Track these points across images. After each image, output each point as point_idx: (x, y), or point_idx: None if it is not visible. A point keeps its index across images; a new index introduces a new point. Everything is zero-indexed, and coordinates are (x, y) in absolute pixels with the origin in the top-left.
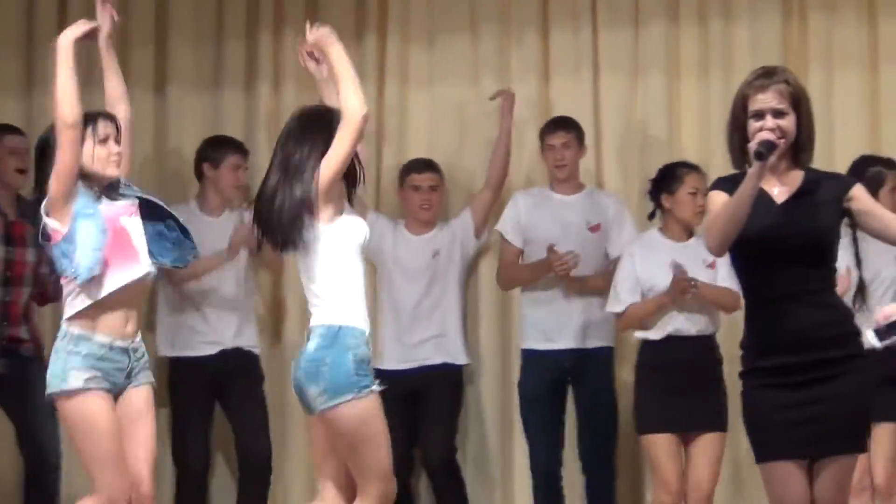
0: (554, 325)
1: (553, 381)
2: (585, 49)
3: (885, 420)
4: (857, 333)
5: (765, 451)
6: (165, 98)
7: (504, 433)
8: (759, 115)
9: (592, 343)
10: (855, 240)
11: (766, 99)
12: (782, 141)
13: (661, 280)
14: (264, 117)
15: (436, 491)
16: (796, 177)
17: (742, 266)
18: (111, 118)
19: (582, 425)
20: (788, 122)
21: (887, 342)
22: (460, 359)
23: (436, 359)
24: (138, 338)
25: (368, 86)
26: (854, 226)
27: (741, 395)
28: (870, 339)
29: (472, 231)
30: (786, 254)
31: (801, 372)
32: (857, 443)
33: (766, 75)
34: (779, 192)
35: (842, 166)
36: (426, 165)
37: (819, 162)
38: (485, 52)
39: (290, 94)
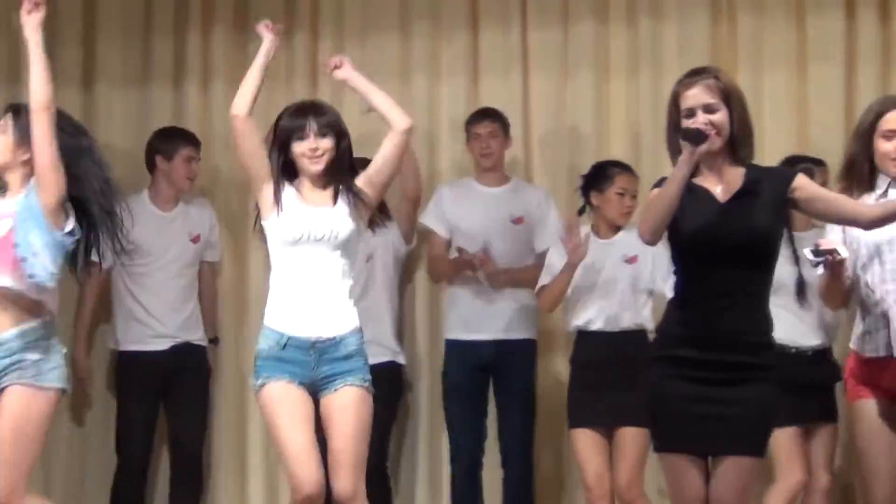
0: (477, 316)
1: (475, 372)
2: (515, 48)
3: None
4: (773, 345)
5: (664, 441)
6: (93, 95)
7: (434, 431)
8: (691, 112)
9: (514, 335)
10: (791, 239)
11: (695, 94)
12: (714, 132)
13: (587, 276)
14: (193, 115)
15: None
16: (738, 175)
17: (681, 262)
18: (9, 109)
19: (501, 418)
20: (720, 117)
21: (819, 260)
22: (399, 358)
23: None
24: (5, 335)
25: (300, 84)
26: (790, 226)
27: (650, 384)
28: (807, 255)
29: (400, 236)
30: (725, 253)
31: (714, 370)
32: (755, 447)
33: (695, 73)
34: (721, 191)
35: (769, 165)
36: None
37: None
38: (416, 51)
39: (218, 92)
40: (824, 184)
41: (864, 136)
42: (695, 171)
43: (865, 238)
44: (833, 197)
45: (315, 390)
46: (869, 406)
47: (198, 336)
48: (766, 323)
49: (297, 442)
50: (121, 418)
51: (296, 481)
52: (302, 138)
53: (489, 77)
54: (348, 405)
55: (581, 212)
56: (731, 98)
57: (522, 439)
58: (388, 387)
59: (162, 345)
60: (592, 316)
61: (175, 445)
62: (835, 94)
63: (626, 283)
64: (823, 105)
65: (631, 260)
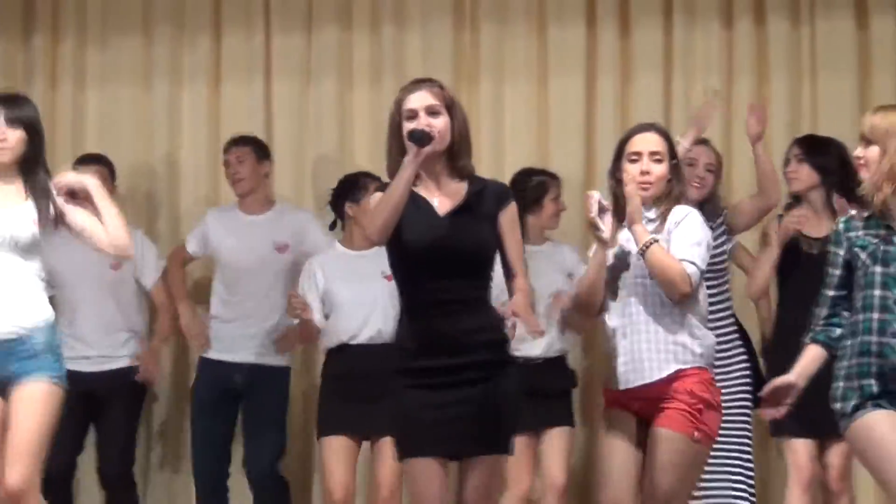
0: (234, 337)
1: (224, 392)
2: (258, 53)
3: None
4: (507, 341)
5: (408, 447)
6: None
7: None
8: (413, 114)
9: (269, 360)
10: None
11: (418, 97)
12: (435, 130)
13: (345, 292)
14: None
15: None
16: (459, 188)
17: (401, 271)
18: None
19: (247, 438)
20: (442, 122)
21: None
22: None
23: (117, 363)
24: None
25: (40, 85)
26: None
27: (393, 396)
28: None
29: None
30: (445, 265)
31: (449, 373)
32: (504, 445)
33: (420, 81)
34: (440, 203)
35: (511, 175)
36: (94, 160)
37: (489, 171)
38: (157, 55)
39: None
40: (557, 197)
41: (615, 173)
42: (415, 180)
43: (626, 273)
44: (510, 244)
45: (6, 388)
46: (612, 413)
47: None
48: (494, 321)
49: None
50: None
51: None
52: None
53: (231, 83)
54: (32, 399)
55: (332, 226)
56: (453, 108)
57: (272, 460)
58: (130, 391)
59: None
60: (356, 330)
61: None
62: (575, 106)
63: (387, 297)
64: (564, 116)
65: (389, 277)
